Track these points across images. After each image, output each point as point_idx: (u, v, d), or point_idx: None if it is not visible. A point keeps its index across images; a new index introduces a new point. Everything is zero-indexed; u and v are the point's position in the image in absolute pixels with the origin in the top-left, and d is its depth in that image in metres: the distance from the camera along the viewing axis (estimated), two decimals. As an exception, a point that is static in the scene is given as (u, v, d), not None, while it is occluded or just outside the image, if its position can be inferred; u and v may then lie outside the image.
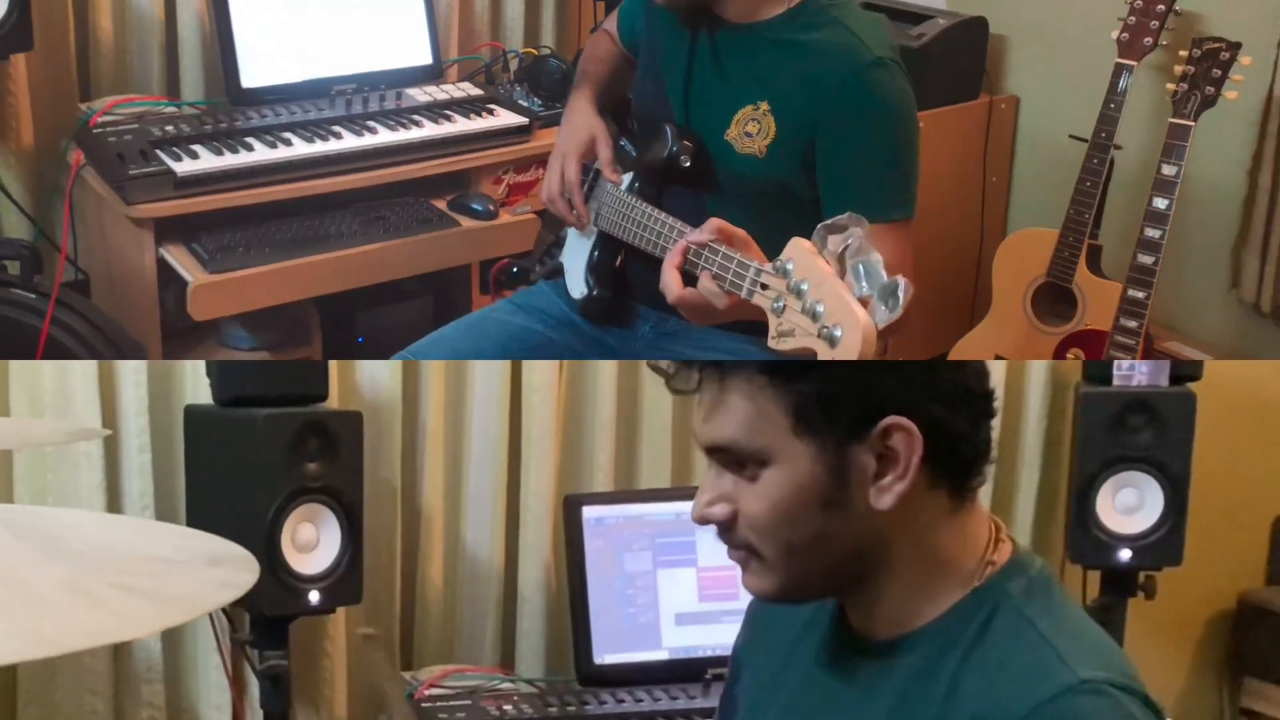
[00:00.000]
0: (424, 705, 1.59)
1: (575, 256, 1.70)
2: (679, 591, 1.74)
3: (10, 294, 1.97)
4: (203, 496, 1.63)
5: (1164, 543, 1.68)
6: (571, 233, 1.72)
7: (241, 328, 2.28)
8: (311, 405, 1.61)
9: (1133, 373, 1.77)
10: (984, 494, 1.82)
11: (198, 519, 1.62)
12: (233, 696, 1.68)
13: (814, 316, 1.09)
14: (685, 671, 1.68)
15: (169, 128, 2.14)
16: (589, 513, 1.73)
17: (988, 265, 2.46)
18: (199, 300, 2.02)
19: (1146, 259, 2.09)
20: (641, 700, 1.65)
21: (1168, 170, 2.07)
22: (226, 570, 0.85)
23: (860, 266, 1.05)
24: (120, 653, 1.67)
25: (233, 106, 2.24)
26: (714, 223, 1.29)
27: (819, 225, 1.09)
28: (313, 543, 1.56)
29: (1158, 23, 2.19)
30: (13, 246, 2.04)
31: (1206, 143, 2.13)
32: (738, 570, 0.88)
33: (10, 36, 2.03)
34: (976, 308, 2.61)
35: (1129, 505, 1.70)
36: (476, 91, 2.42)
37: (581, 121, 1.65)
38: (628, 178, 1.61)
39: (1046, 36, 2.64)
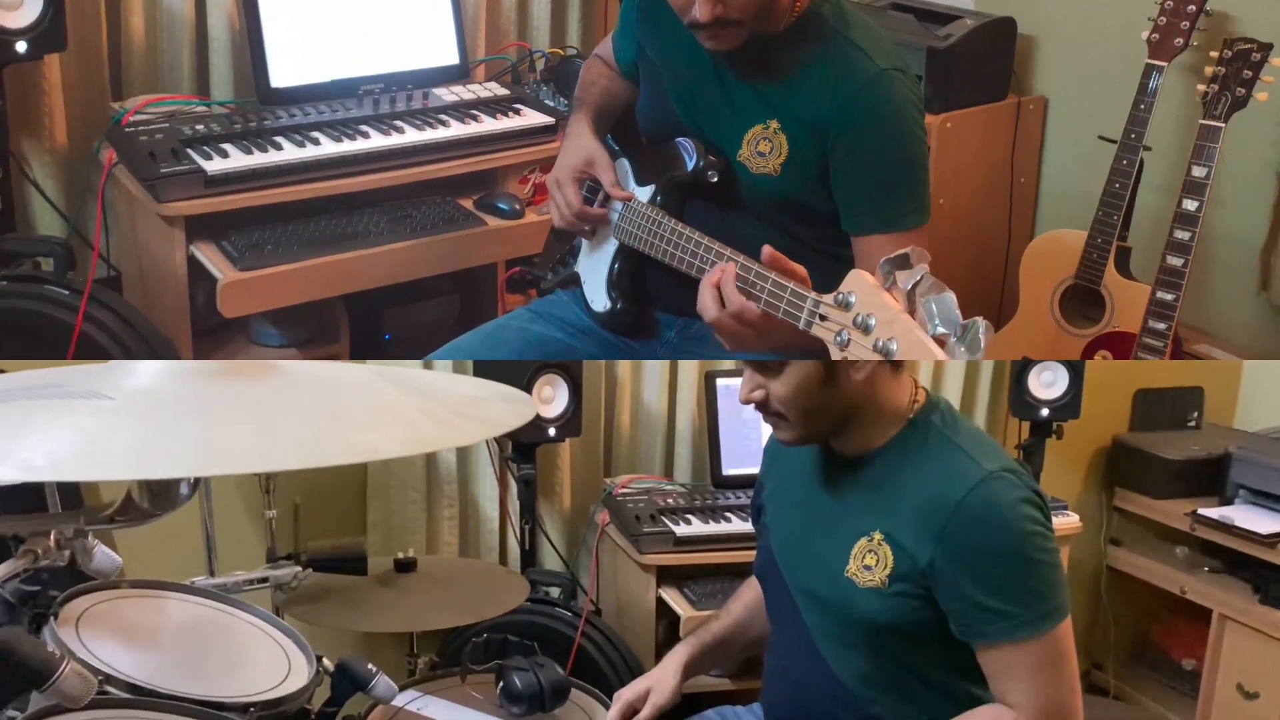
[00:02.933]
0: (617, 498, 2.39)
1: (592, 268, 1.70)
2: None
3: (44, 290, 2.00)
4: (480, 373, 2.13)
5: (1069, 405, 2.54)
6: (585, 245, 1.72)
7: (270, 325, 2.30)
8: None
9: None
10: (958, 378, 2.74)
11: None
12: (500, 492, 2.44)
13: (886, 354, 1.13)
14: None
15: (199, 127, 2.16)
16: (721, 383, 2.47)
17: (1015, 266, 2.45)
18: (228, 297, 2.04)
19: (1176, 261, 2.07)
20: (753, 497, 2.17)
21: (1197, 172, 2.06)
22: (517, 405, 1.27)
23: (933, 304, 1.08)
24: (430, 464, 2.40)
25: (262, 106, 2.26)
26: (769, 251, 1.30)
27: (883, 260, 1.11)
28: (551, 398, 2.28)
29: (1189, 23, 2.17)
30: (47, 243, 2.07)
31: (1237, 144, 2.12)
32: None
33: (44, 37, 2.06)
34: (1004, 309, 2.60)
35: (1048, 381, 2.54)
36: (503, 91, 2.43)
37: (576, 145, 1.67)
38: (648, 191, 1.61)
39: (1075, 37, 2.62)
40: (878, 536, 1.28)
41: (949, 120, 2.52)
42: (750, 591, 1.57)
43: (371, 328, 2.35)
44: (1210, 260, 2.35)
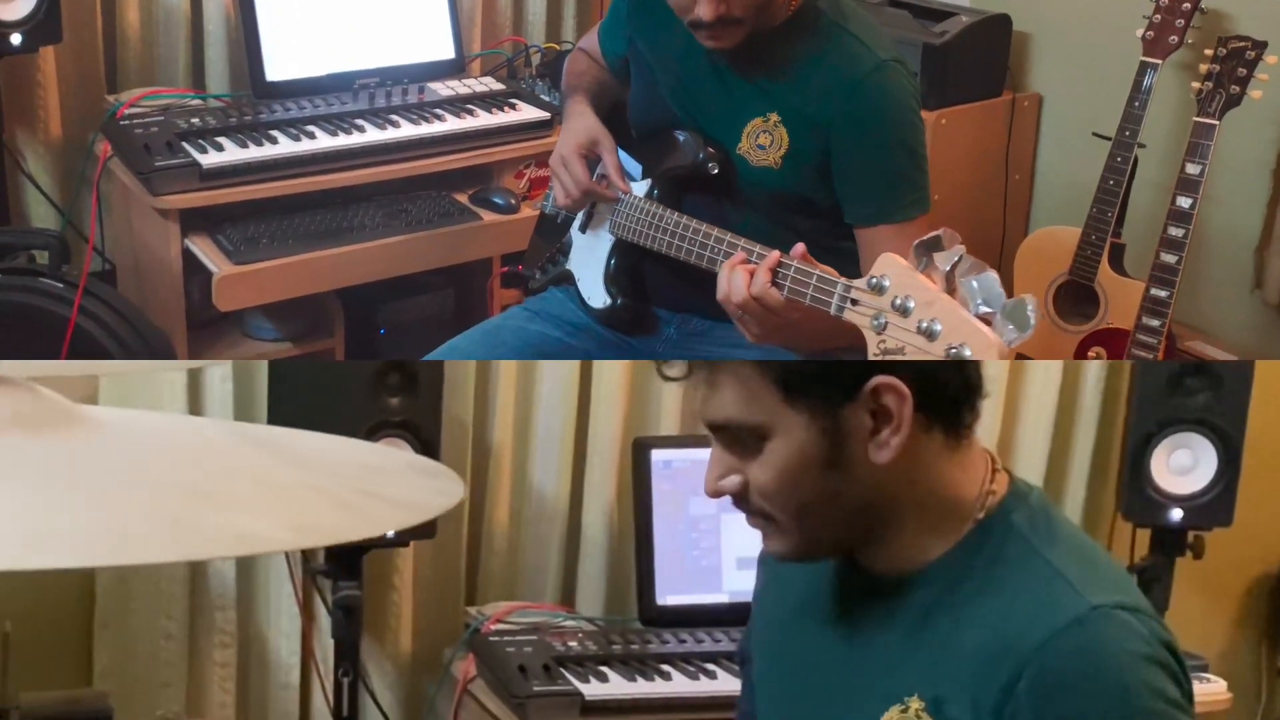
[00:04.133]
0: (491, 639, 1.66)
1: (587, 265, 1.67)
2: (741, 536, 1.71)
3: (39, 283, 1.99)
4: (285, 426, 1.68)
5: (1215, 504, 1.71)
6: (578, 240, 1.70)
7: (265, 318, 2.30)
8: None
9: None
10: (1042, 452, 1.93)
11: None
12: (303, 625, 1.74)
13: (930, 335, 1.09)
14: (746, 614, 1.70)
15: (194, 120, 2.16)
16: (657, 456, 1.76)
17: (1010, 263, 2.46)
18: (223, 291, 2.04)
19: (1169, 258, 2.08)
20: (702, 641, 1.68)
21: (1191, 169, 2.06)
22: (439, 481, 0.89)
23: (974, 283, 1.05)
24: (195, 579, 1.73)
25: (257, 99, 2.26)
26: (801, 248, 1.28)
27: (916, 242, 1.09)
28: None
29: (1183, 21, 2.17)
30: (41, 236, 2.07)
31: (1231, 142, 2.12)
32: None
33: (39, 29, 2.06)
34: (997, 306, 2.60)
35: (1183, 466, 1.73)
36: (498, 86, 2.43)
37: (580, 124, 1.63)
38: (644, 185, 1.60)
39: (1070, 34, 2.62)
40: (915, 705, 0.86)
41: (944, 117, 2.52)
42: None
43: (366, 322, 2.35)
44: (1204, 258, 2.36)
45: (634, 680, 1.59)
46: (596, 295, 1.65)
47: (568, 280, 1.71)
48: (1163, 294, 2.09)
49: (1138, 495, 1.75)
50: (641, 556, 1.74)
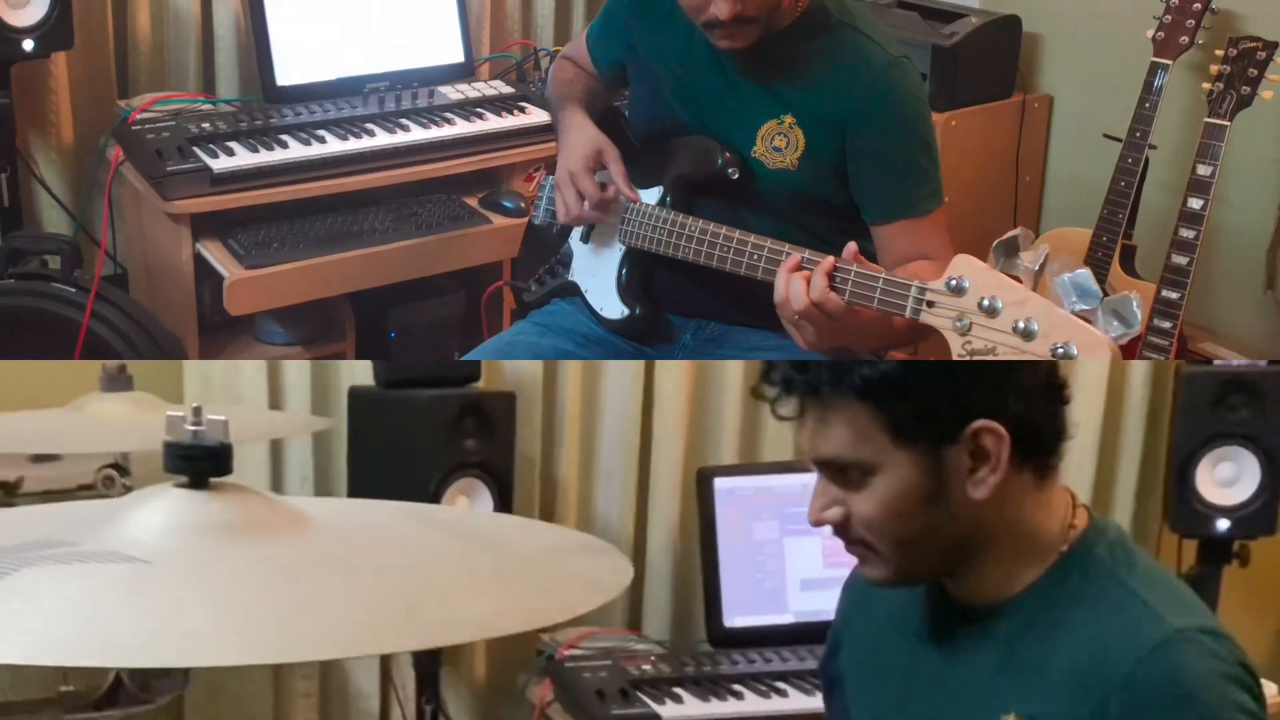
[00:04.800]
0: (567, 665, 1.70)
1: (595, 276, 1.65)
2: (804, 558, 1.81)
3: (51, 288, 2.00)
4: (365, 471, 1.75)
5: (1259, 514, 1.77)
6: (580, 251, 1.68)
7: (276, 323, 2.30)
8: (467, 386, 1.75)
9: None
10: (1089, 467, 1.97)
11: (358, 492, 1.74)
12: (382, 655, 1.75)
13: (1028, 335, 1.08)
14: (810, 634, 1.75)
15: (205, 125, 2.16)
16: (720, 484, 1.82)
17: (1019, 265, 2.45)
18: (235, 295, 2.04)
19: (1181, 259, 2.07)
20: (771, 660, 1.73)
21: (1203, 170, 2.05)
22: (609, 559, 0.97)
23: (1067, 280, 1.05)
24: (280, 679, 1.80)
25: (267, 104, 2.26)
26: (853, 247, 1.28)
27: (996, 242, 1.08)
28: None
29: (1194, 21, 2.17)
30: (54, 241, 2.08)
31: (1242, 143, 2.11)
32: None
33: (51, 35, 2.07)
34: (1007, 307, 2.60)
35: (1226, 478, 1.79)
36: (508, 89, 2.43)
37: (582, 136, 1.61)
38: (653, 193, 1.59)
39: (1080, 35, 2.62)
40: None
41: (954, 118, 2.52)
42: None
43: (378, 325, 2.35)
44: (1216, 259, 2.35)
45: (708, 700, 1.63)
46: (611, 306, 1.63)
47: (570, 292, 1.69)
48: (1174, 295, 2.08)
49: (1184, 508, 1.80)
50: (709, 580, 1.79)
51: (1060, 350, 1.08)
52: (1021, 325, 1.09)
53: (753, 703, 1.63)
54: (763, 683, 1.67)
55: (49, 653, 0.73)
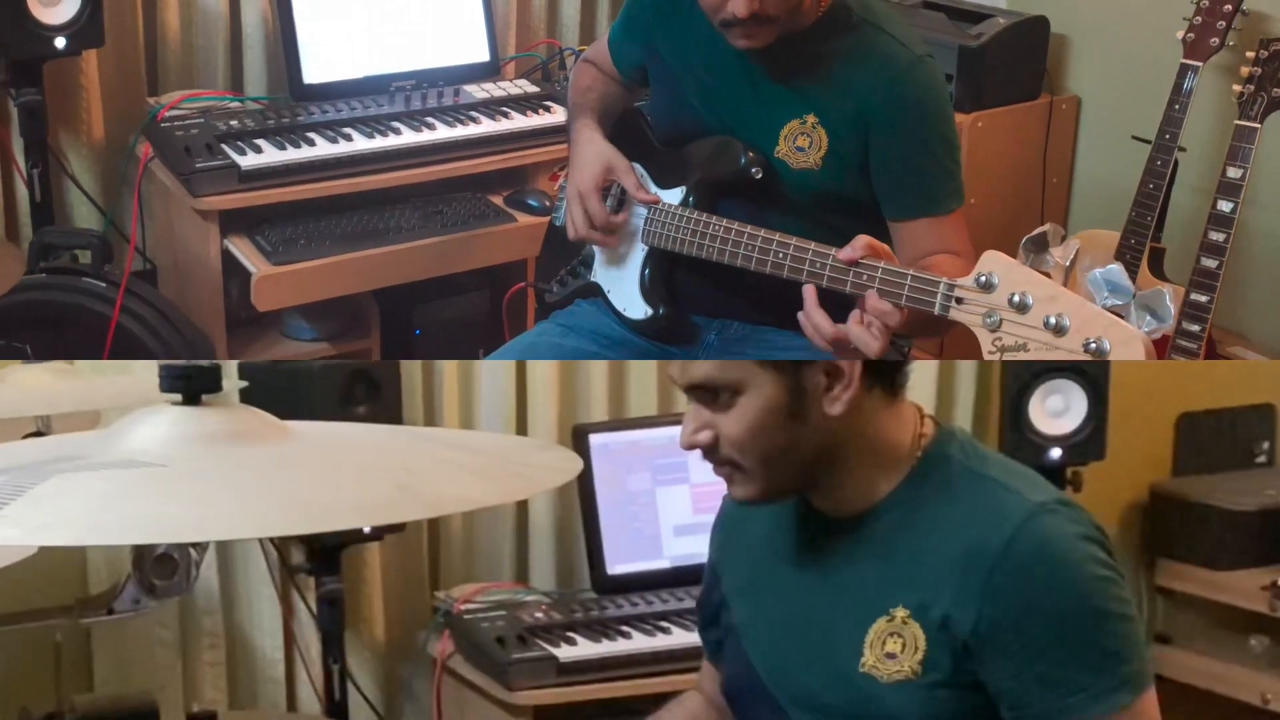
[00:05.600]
0: (465, 618, 1.81)
1: (618, 276, 1.65)
2: (676, 506, 1.97)
3: (82, 283, 2.02)
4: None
5: (1088, 442, 1.91)
6: (603, 252, 1.68)
7: (303, 319, 2.32)
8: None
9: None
10: (929, 403, 2.03)
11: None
12: (285, 621, 1.89)
13: (1059, 331, 1.08)
14: (686, 576, 1.91)
15: (233, 122, 2.18)
16: (595, 440, 1.95)
17: (1045, 267, 2.44)
18: (262, 291, 2.06)
19: (1210, 262, 2.05)
20: (652, 603, 1.89)
21: (1233, 173, 2.04)
22: (562, 453, 1.12)
23: (1099, 276, 1.05)
24: (186, 649, 1.86)
25: (295, 102, 2.28)
26: (864, 240, 1.28)
27: (1026, 239, 1.08)
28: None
29: (1224, 23, 2.15)
30: (84, 237, 2.10)
31: (1273, 145, 2.09)
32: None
33: (82, 33, 2.09)
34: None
35: (1057, 409, 1.93)
36: (533, 89, 2.44)
37: (593, 151, 1.62)
38: (676, 193, 1.59)
39: (1109, 36, 2.60)
40: (900, 614, 0.99)
41: (980, 119, 2.51)
42: (678, 713, 1.22)
43: (402, 322, 2.37)
44: (1245, 262, 2.33)
45: (599, 641, 1.77)
46: (634, 307, 1.63)
47: (592, 293, 1.69)
48: (1203, 299, 2.07)
49: (1018, 438, 1.93)
50: (590, 532, 1.92)
51: (1094, 345, 1.07)
52: (1053, 321, 1.08)
53: (640, 641, 1.77)
54: (647, 622, 1.81)
55: (87, 535, 0.84)
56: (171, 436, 0.91)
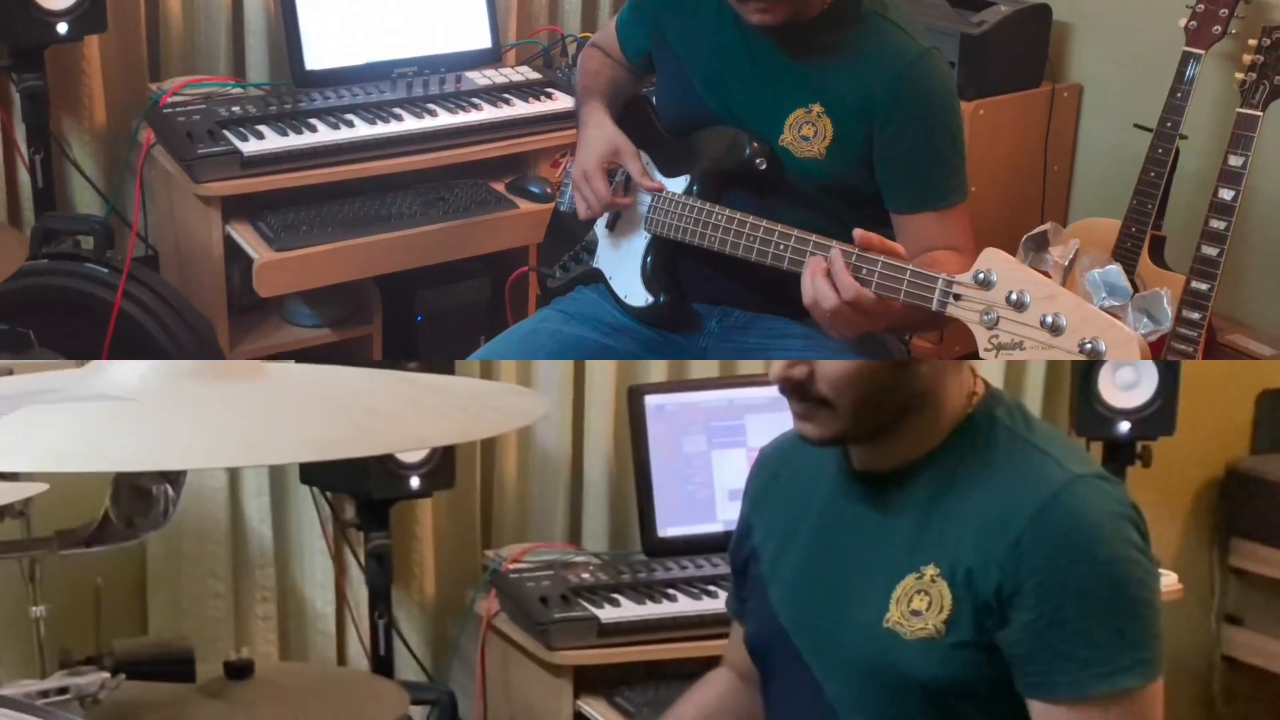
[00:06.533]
0: (511, 577, 1.82)
1: (620, 264, 1.66)
2: (731, 469, 1.93)
3: (84, 268, 2.03)
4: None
5: (1158, 416, 1.91)
6: (605, 239, 1.68)
7: (305, 305, 2.32)
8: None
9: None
10: (998, 377, 2.02)
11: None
12: (336, 576, 1.91)
13: (1055, 330, 1.08)
14: None
15: (235, 108, 2.18)
16: (651, 401, 1.93)
17: (1046, 255, 2.44)
18: (264, 277, 2.06)
19: (1211, 250, 2.06)
20: (702, 566, 1.86)
21: (1234, 161, 2.04)
22: (530, 398, 1.21)
23: (1097, 276, 1.05)
24: (237, 542, 1.87)
25: (296, 88, 2.28)
26: (861, 233, 1.28)
27: (1026, 237, 1.09)
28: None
29: (1227, 11, 2.15)
30: (87, 222, 2.10)
31: (1275, 133, 2.09)
32: None
33: (85, 19, 2.09)
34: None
35: (1127, 382, 1.94)
36: (535, 75, 2.44)
37: (600, 133, 1.62)
38: (680, 182, 1.59)
39: (1111, 24, 2.60)
40: (930, 572, 0.99)
41: (982, 107, 2.51)
42: (707, 692, 1.22)
43: (404, 309, 2.37)
44: (1246, 250, 2.33)
45: (643, 604, 1.76)
46: (635, 294, 1.64)
47: (594, 279, 1.70)
48: (1203, 287, 2.07)
49: (1088, 411, 1.94)
50: (642, 494, 1.90)
51: (1089, 346, 1.07)
52: (1049, 320, 1.09)
53: (685, 604, 1.76)
54: (695, 586, 1.79)
55: (49, 462, 0.87)
56: (146, 374, 0.95)
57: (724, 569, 1.78)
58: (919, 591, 1.00)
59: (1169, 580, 1.85)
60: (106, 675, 1.32)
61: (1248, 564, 2.07)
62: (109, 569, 1.70)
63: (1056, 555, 0.96)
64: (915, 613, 0.99)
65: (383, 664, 1.76)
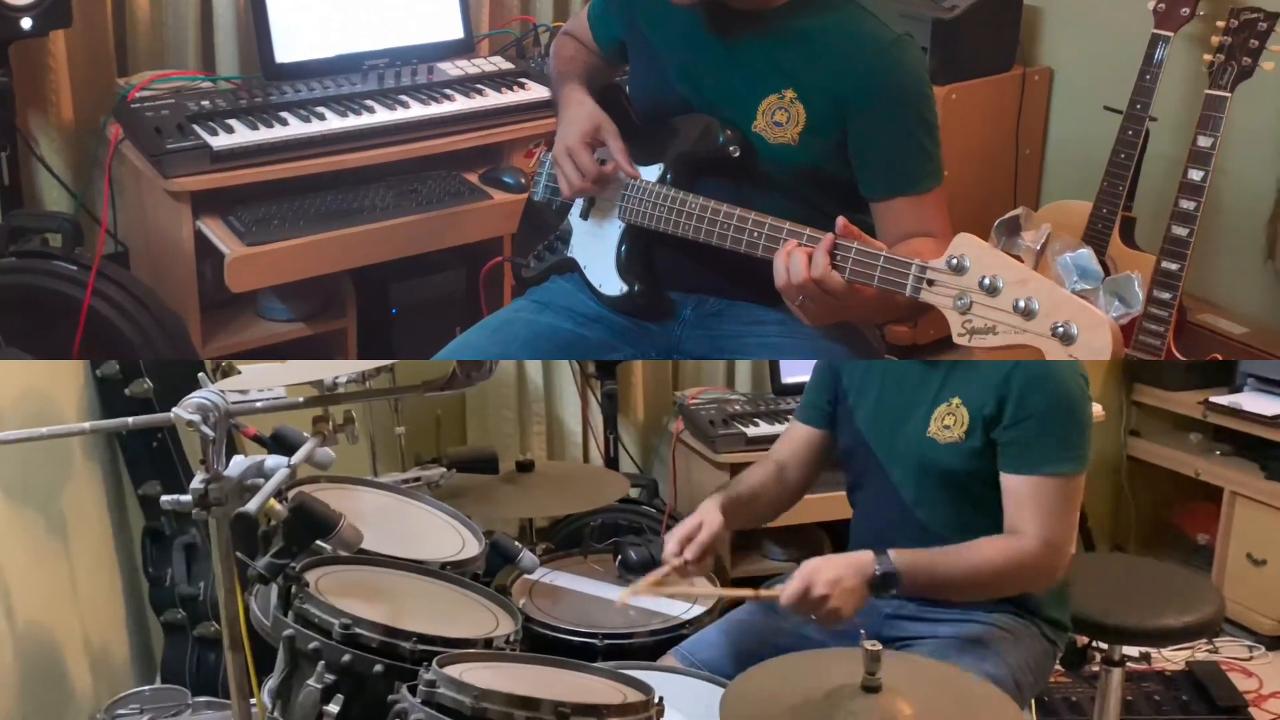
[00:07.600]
0: (691, 407, 2.66)
1: (595, 253, 1.66)
2: None
3: (53, 266, 2.01)
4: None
5: None
6: (580, 228, 1.69)
7: (277, 299, 2.31)
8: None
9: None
10: None
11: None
12: (582, 408, 2.82)
13: (1028, 314, 1.09)
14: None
15: (205, 102, 2.16)
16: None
17: (1019, 238, 2.45)
18: (235, 272, 2.05)
19: (1181, 231, 2.07)
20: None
21: (1203, 142, 2.05)
22: None
23: (1070, 261, 1.06)
24: (521, 385, 2.79)
25: (267, 81, 2.26)
26: (843, 222, 1.29)
27: (998, 221, 1.09)
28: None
29: (1195, -8, 2.16)
30: (55, 219, 2.08)
31: (1242, 114, 2.11)
32: None
33: (50, 13, 2.06)
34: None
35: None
36: (507, 65, 2.43)
37: (581, 111, 1.62)
38: (654, 170, 1.59)
39: (1081, 7, 2.61)
40: (955, 401, 1.49)
41: (954, 92, 2.52)
42: (766, 469, 1.70)
43: (379, 302, 2.36)
44: (1216, 230, 2.35)
45: (774, 425, 2.52)
46: (610, 283, 1.64)
47: (569, 268, 1.70)
48: (1174, 267, 2.09)
49: None
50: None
51: (1061, 329, 1.09)
52: (1022, 304, 1.10)
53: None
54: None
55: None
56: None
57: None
58: (950, 414, 1.50)
59: (1096, 409, 2.44)
60: (444, 470, 2.01)
61: (1143, 398, 3.11)
62: (445, 403, 2.68)
63: (1037, 392, 1.44)
64: (946, 427, 1.50)
65: (612, 463, 2.59)
